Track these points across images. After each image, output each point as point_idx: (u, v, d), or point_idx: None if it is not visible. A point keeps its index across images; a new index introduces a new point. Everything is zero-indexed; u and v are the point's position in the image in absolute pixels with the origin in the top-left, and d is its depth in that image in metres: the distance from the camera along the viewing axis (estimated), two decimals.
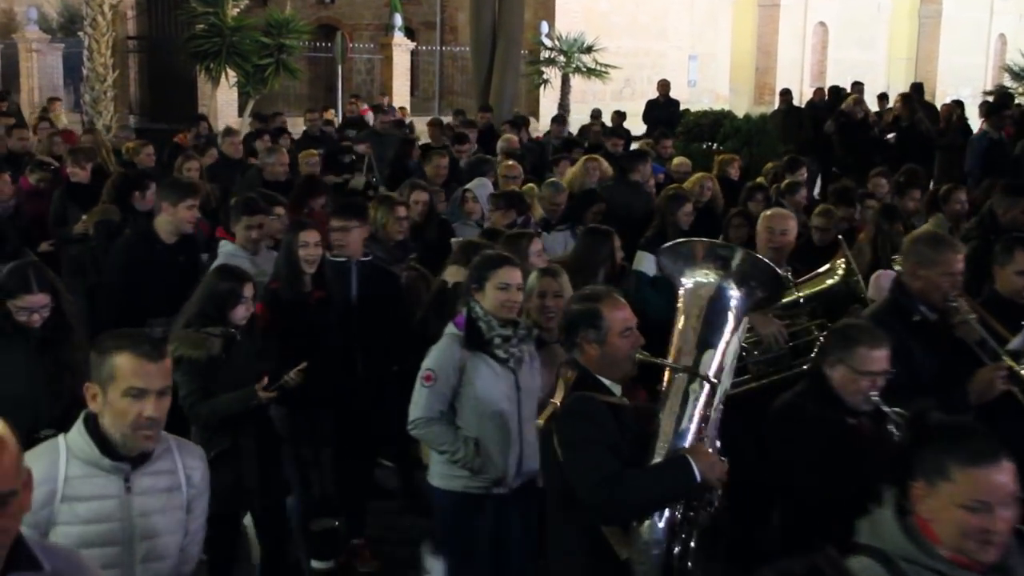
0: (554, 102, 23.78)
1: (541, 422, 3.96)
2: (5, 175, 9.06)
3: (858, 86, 17.54)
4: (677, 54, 29.51)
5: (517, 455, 4.93)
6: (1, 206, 8.82)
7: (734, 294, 3.94)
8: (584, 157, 10.56)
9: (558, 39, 24.03)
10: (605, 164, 10.24)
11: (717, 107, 20.22)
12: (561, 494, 3.84)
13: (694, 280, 4.00)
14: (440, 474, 5.04)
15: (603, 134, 14.43)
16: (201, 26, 19.67)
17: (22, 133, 11.76)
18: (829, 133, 14.94)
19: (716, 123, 15.85)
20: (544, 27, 24.56)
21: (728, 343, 3.90)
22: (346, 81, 24.20)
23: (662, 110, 17.93)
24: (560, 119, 16.28)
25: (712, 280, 3.96)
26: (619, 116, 18.57)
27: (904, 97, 15.72)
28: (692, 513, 3.74)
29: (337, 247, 6.36)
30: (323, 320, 6.07)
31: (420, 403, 4.94)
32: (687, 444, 3.73)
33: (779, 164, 10.68)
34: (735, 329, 3.94)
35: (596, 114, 17.94)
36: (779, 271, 4.45)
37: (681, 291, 4.02)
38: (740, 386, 5.35)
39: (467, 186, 9.25)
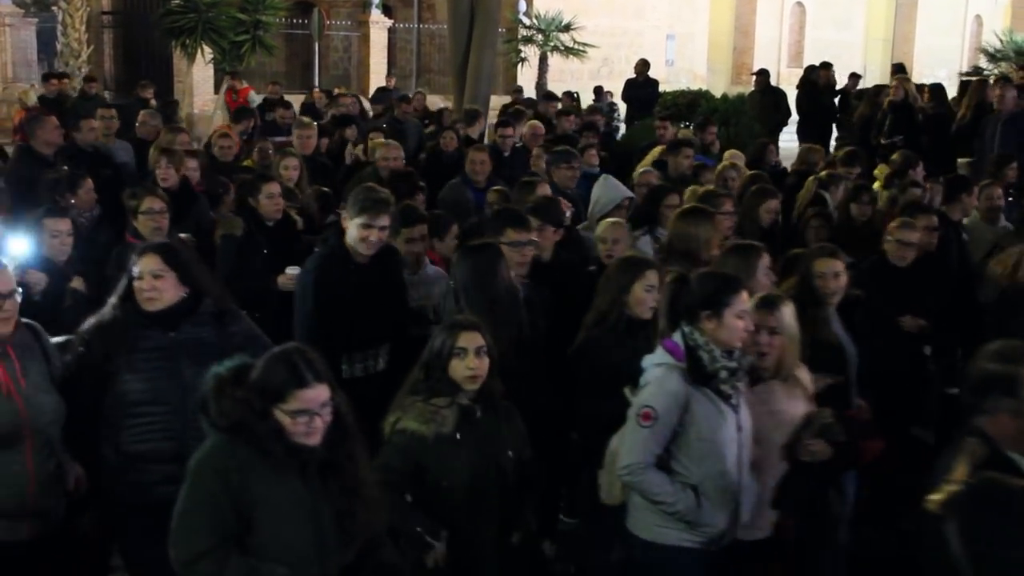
0: (531, 81, 23.75)
1: (934, 502, 3.03)
2: (87, 180, 7.60)
3: (827, 65, 17.41)
4: (655, 33, 29.48)
5: (738, 505, 4.35)
6: (84, 217, 7.35)
7: None
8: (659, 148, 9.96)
9: (536, 17, 23.99)
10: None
11: (695, 87, 20.25)
12: None
13: None
14: (647, 524, 4.38)
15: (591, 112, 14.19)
16: (177, 2, 19.57)
17: (90, 124, 9.95)
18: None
19: (693, 103, 15.88)
20: (522, 5, 24.56)
21: None
22: (323, 58, 24.08)
23: (640, 89, 17.88)
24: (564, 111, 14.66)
25: None
26: (596, 93, 18.66)
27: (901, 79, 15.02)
28: None
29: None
30: None
31: (637, 446, 4.26)
32: None
33: (837, 155, 10.07)
34: None
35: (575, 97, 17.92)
36: None
37: None
38: None
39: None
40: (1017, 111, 12.03)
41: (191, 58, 20.13)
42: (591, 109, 15.25)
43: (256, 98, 16.80)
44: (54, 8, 20.78)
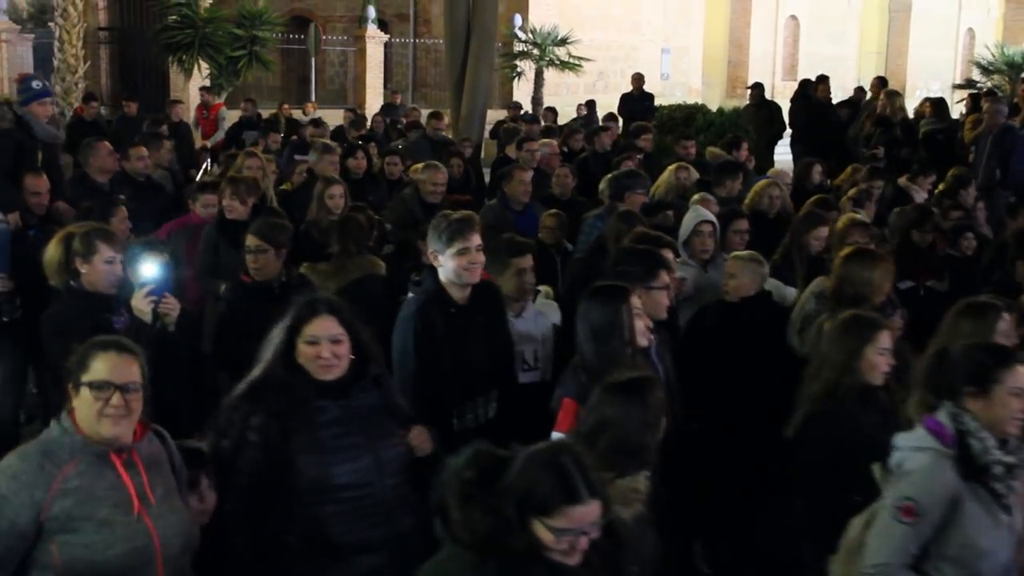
0: (528, 95, 23.83)
1: None
2: (121, 208, 7.08)
3: (823, 79, 17.44)
4: (650, 47, 29.58)
5: None
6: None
7: None
8: (675, 165, 9.37)
9: (532, 32, 24.08)
10: (694, 172, 9.30)
11: (690, 100, 20.35)
12: None
13: None
14: None
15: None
16: (173, 17, 19.60)
17: (139, 151, 9.26)
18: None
19: (690, 116, 15.97)
20: (518, 20, 24.61)
21: None
22: (319, 73, 24.15)
23: (637, 103, 17.95)
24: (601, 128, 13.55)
25: None
26: (588, 106, 18.62)
27: (888, 93, 15.10)
28: None
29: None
30: None
31: (892, 544, 3.64)
32: None
33: (861, 172, 9.72)
34: None
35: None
36: None
37: None
38: None
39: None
40: (1005, 126, 12.16)
41: (188, 74, 20.18)
42: (570, 130, 14.26)
43: (228, 115, 16.55)
44: (50, 24, 20.81)
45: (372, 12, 25.31)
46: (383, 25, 26.77)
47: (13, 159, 7.80)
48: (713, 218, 6.99)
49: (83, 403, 3.39)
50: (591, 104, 20.03)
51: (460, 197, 8.18)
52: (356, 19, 27.38)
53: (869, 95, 16.28)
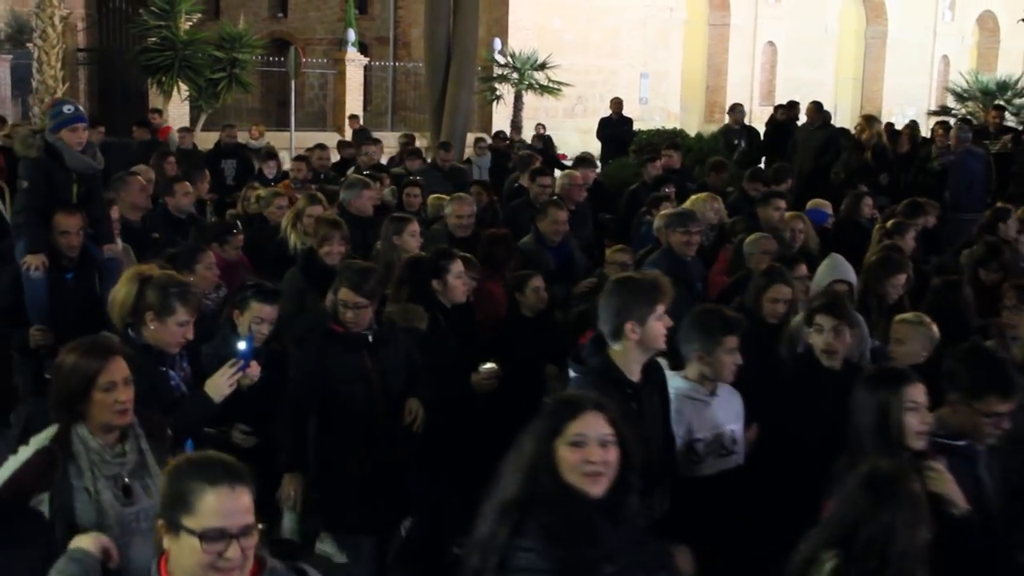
0: (507, 119, 23.92)
1: None
2: (208, 254, 6.56)
3: (794, 104, 17.49)
4: (629, 72, 29.76)
5: None
6: (209, 298, 6.34)
7: None
8: (705, 194, 9.02)
9: (511, 56, 24.19)
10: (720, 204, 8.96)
11: (668, 124, 20.44)
12: None
13: None
14: None
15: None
16: (153, 39, 19.61)
17: (185, 187, 8.65)
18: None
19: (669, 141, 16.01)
20: (497, 44, 24.72)
21: None
22: (299, 96, 24.16)
23: (615, 128, 18.05)
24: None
25: None
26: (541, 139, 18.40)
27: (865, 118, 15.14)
28: None
29: None
30: None
31: None
32: None
33: (903, 206, 9.19)
34: None
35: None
36: None
37: None
38: None
39: None
40: (967, 151, 12.36)
41: (167, 95, 20.16)
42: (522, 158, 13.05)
43: (176, 138, 16.01)
44: (29, 45, 20.75)
45: (352, 35, 25.37)
46: (363, 48, 26.84)
47: (45, 194, 6.80)
48: (848, 277, 6.60)
49: (184, 552, 2.69)
50: (544, 137, 19.62)
51: (497, 232, 7.66)
52: (336, 42, 27.44)
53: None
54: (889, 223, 8.26)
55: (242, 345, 4.58)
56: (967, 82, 26.97)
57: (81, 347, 3.64)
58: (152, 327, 4.70)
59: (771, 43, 35.02)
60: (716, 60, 34.00)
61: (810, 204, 9.40)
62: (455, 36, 17.06)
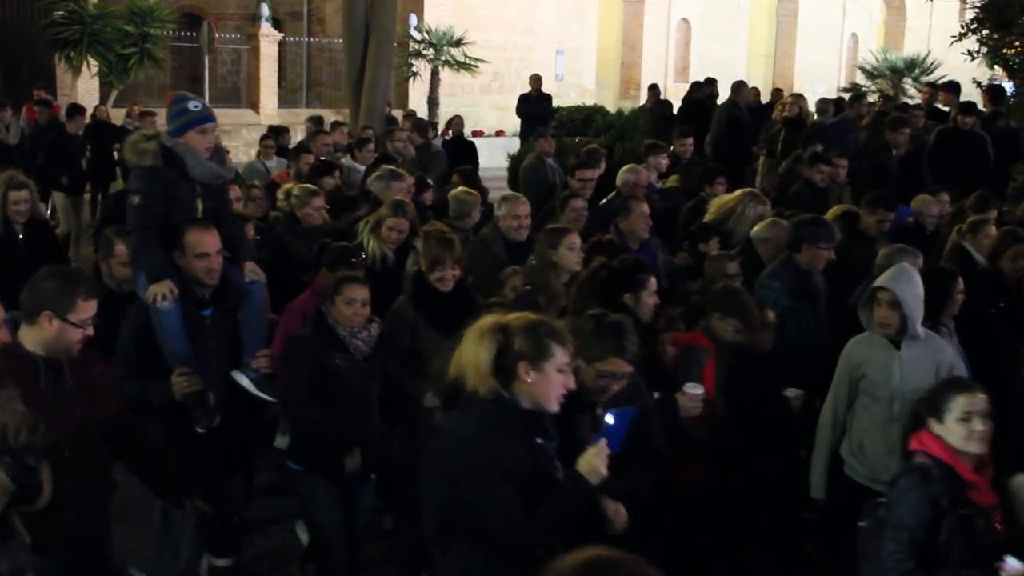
0: (423, 95, 23.81)
1: None
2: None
3: (712, 81, 17.72)
4: (544, 48, 29.79)
5: None
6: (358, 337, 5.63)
7: None
8: (745, 190, 8.47)
9: (427, 32, 24.07)
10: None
11: (584, 101, 20.57)
12: None
13: None
14: None
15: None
16: (60, 13, 19.11)
17: (235, 192, 7.76)
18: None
19: (588, 118, 16.17)
20: (413, 19, 24.58)
21: None
22: (212, 71, 23.77)
23: (535, 104, 18.08)
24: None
25: None
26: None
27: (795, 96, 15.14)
28: None
29: None
30: None
31: None
32: None
33: (969, 201, 8.78)
34: None
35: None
36: None
37: None
38: None
39: None
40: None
41: (76, 71, 19.70)
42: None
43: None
44: None
45: (265, 10, 24.98)
46: (277, 24, 26.46)
47: (164, 210, 5.44)
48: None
49: None
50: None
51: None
52: (249, 17, 26.99)
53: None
54: (967, 223, 7.86)
55: (610, 419, 3.81)
56: (876, 59, 27.54)
57: None
58: (529, 379, 3.65)
59: (685, 20, 35.31)
60: (631, 36, 34.19)
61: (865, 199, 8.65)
62: (374, 12, 16.92)
